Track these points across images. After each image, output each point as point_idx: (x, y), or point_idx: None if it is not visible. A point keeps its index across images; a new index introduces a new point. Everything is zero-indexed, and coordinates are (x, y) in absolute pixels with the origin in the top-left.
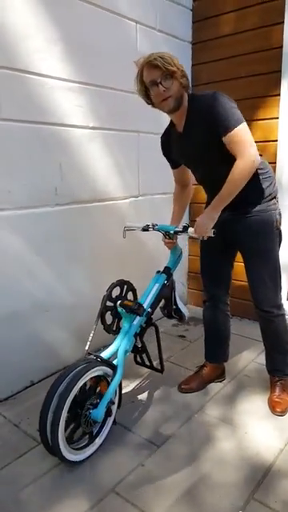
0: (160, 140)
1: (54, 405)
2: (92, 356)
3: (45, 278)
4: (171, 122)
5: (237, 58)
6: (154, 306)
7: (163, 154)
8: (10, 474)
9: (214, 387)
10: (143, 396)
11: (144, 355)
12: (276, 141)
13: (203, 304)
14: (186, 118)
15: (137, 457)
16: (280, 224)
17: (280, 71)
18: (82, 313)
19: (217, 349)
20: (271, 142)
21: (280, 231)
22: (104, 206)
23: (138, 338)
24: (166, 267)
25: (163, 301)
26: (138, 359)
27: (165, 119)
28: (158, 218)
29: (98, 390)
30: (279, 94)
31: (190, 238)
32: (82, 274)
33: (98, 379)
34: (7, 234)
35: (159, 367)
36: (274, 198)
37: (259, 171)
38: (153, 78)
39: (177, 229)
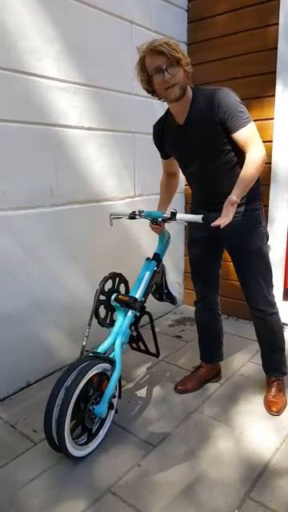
0: (152, 128)
1: (61, 399)
2: (90, 354)
3: (41, 278)
4: (168, 112)
5: (232, 59)
6: (146, 294)
7: (154, 143)
8: (7, 475)
9: (211, 387)
10: (139, 396)
11: (140, 343)
12: (271, 141)
13: (195, 305)
14: (189, 110)
15: (133, 457)
16: (265, 224)
17: (275, 72)
18: (78, 313)
19: (211, 349)
20: (266, 143)
21: (266, 231)
22: (100, 206)
23: (132, 328)
24: (155, 253)
25: (154, 286)
26: (134, 345)
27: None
28: None
29: (99, 387)
30: (274, 95)
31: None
32: (78, 275)
33: (98, 376)
34: (2, 235)
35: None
36: (260, 199)
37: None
38: (157, 65)
39: (165, 215)
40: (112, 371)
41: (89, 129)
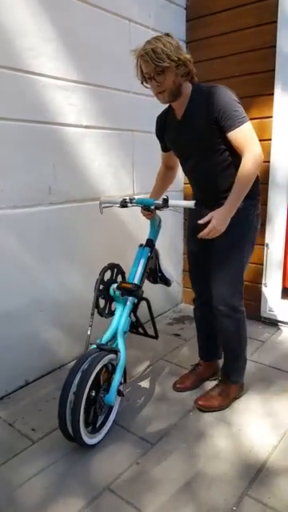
0: (156, 120)
1: (75, 386)
2: (95, 346)
3: (39, 277)
4: (170, 106)
5: (231, 57)
6: (142, 280)
7: (156, 134)
8: (5, 474)
9: (209, 385)
10: (138, 394)
11: (140, 327)
12: (270, 140)
13: (193, 303)
14: (186, 107)
15: (132, 455)
16: (257, 226)
17: (274, 70)
18: (76, 312)
19: (209, 346)
20: (265, 141)
21: (253, 234)
22: (98, 204)
23: (131, 315)
24: (148, 239)
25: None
26: (133, 330)
27: None
28: None
29: (107, 377)
30: (273, 93)
31: (171, 210)
32: (76, 273)
33: (105, 367)
34: (0, 233)
35: (153, 334)
36: (255, 198)
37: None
38: (146, 72)
39: (157, 202)
40: (117, 360)
41: (87, 127)
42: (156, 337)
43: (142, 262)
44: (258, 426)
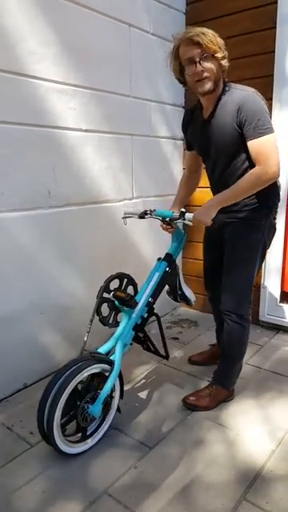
0: (183, 115)
1: (54, 392)
2: (87, 353)
3: (38, 280)
4: (199, 102)
5: (230, 62)
6: (155, 295)
7: (182, 130)
8: (3, 477)
9: (202, 385)
10: (136, 398)
11: (149, 343)
12: None
13: (208, 298)
14: (214, 106)
15: (129, 458)
16: (269, 239)
17: (272, 75)
18: (76, 315)
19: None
20: None
21: (265, 244)
22: (98, 208)
23: (140, 329)
24: (167, 253)
25: (168, 286)
26: (145, 346)
27: (158, 122)
28: (152, 221)
29: (96, 387)
30: (271, 99)
31: (187, 225)
32: (76, 277)
33: (97, 376)
34: (0, 237)
35: (164, 354)
36: (271, 210)
37: None
38: (191, 55)
39: (174, 214)
40: (110, 372)
41: (86, 131)
42: (167, 357)
43: (157, 275)
44: (257, 430)
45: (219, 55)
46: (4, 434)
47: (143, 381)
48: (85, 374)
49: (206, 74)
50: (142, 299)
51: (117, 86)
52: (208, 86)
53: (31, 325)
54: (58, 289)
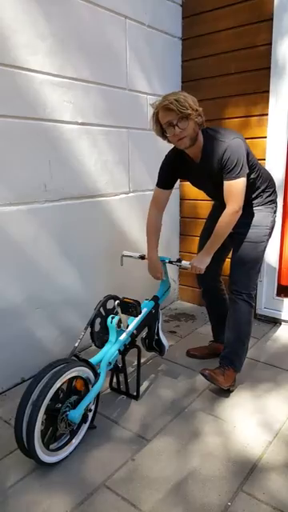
0: (166, 157)
1: (34, 398)
2: (73, 357)
3: (35, 274)
4: (182, 150)
5: (227, 55)
6: (139, 328)
7: (165, 169)
8: (1, 470)
9: (203, 382)
10: (133, 391)
11: (122, 376)
12: (265, 137)
13: (201, 291)
14: (202, 152)
15: (127, 451)
16: (273, 226)
17: (269, 68)
18: (72, 309)
19: (220, 328)
20: (261, 139)
21: (271, 232)
22: (94, 202)
23: (119, 358)
24: (154, 296)
25: (146, 330)
26: (114, 384)
27: None
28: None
29: (79, 392)
30: (268, 91)
31: (183, 268)
32: (72, 271)
33: (80, 380)
34: None
35: (135, 393)
36: (274, 202)
37: (261, 185)
38: (169, 120)
39: (172, 260)
40: (94, 382)
41: (82, 124)
42: (137, 396)
43: (145, 310)
44: (253, 422)
45: (193, 115)
46: (2, 428)
47: (140, 374)
48: (68, 375)
49: (183, 134)
50: (130, 327)
51: (113, 79)
52: (188, 143)
53: (28, 319)
54: (55, 283)
